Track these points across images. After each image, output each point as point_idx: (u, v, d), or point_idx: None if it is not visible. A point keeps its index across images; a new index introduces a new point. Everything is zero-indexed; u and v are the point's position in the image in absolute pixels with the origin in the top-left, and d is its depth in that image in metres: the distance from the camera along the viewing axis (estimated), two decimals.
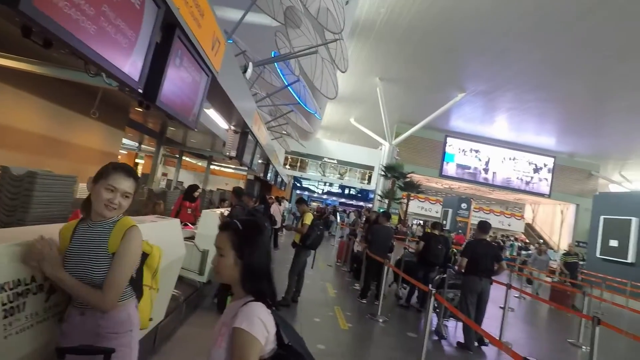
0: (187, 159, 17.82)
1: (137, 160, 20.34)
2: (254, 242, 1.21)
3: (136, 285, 1.65)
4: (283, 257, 8.76)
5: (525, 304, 9.47)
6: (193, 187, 6.54)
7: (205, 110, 5.06)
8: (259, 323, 1.09)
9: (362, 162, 31.27)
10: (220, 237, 1.23)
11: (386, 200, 23.94)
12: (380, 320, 5.55)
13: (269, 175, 14.30)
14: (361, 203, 31.35)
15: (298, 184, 31.86)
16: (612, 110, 20.22)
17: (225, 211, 5.56)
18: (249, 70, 6.00)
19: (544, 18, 13.90)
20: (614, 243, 12.94)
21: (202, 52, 3.14)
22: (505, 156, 30.88)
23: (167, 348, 3.43)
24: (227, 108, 5.21)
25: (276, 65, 10.94)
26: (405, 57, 18.97)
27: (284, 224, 12.19)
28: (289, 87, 11.39)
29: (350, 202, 32.51)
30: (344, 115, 28.94)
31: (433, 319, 5.59)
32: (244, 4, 6.55)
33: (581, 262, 12.98)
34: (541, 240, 30.54)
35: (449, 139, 30.11)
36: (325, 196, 32.82)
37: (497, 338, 4.68)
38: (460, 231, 21.32)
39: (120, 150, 10.03)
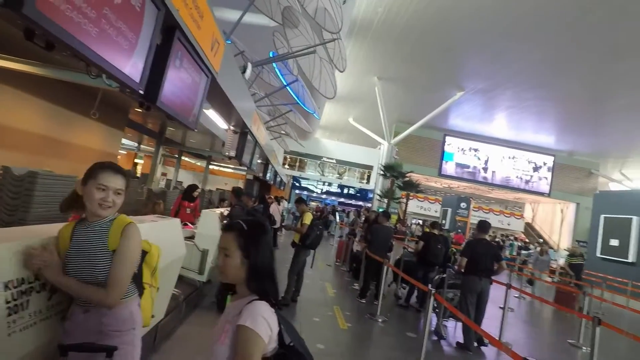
0: (187, 159, 17.83)
1: (136, 160, 20.35)
2: (259, 242, 1.24)
3: (137, 282, 1.67)
4: (282, 256, 8.79)
5: (525, 304, 9.48)
6: (192, 187, 6.56)
7: (204, 110, 5.08)
8: (263, 321, 1.11)
9: (361, 162, 31.31)
10: (225, 237, 1.25)
11: (385, 200, 23.96)
12: (380, 320, 5.57)
13: (268, 175, 14.32)
14: (360, 203, 31.39)
15: (297, 184, 31.89)
16: (612, 108, 20.21)
17: (225, 211, 5.59)
18: (248, 71, 6.02)
19: (542, 16, 13.93)
20: (614, 242, 12.91)
21: (202, 53, 3.16)
22: (504, 155, 30.89)
23: (167, 347, 3.45)
24: (226, 108, 5.23)
25: (274, 66, 10.97)
26: (403, 56, 18.99)
27: (283, 224, 12.21)
28: (287, 87, 11.41)
29: (349, 201, 32.54)
30: (342, 115, 28.97)
31: (432, 319, 5.61)
32: (242, 4, 6.58)
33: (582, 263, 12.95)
34: (541, 240, 30.58)
35: (447, 138, 30.12)
36: (324, 196, 32.85)
37: (497, 338, 4.70)
38: (459, 230, 21.35)
39: (119, 151, 10.04)
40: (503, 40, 15.91)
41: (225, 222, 5.01)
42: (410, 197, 26.58)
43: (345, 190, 32.85)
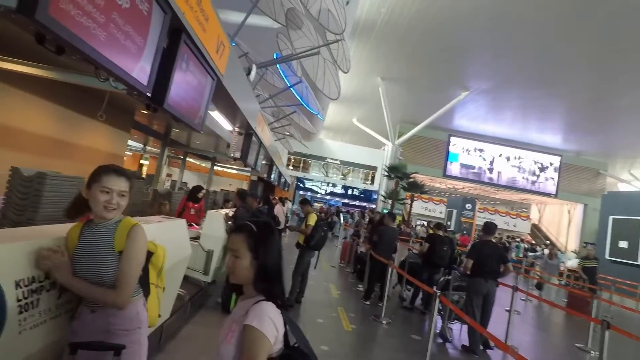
0: (191, 160, 17.92)
1: (142, 162, 20.48)
2: (268, 243, 1.26)
3: (143, 283, 1.70)
4: (286, 257, 8.75)
5: (531, 307, 9.37)
6: (197, 188, 6.60)
7: (209, 112, 5.12)
8: (269, 322, 1.13)
9: (365, 163, 31.29)
10: (235, 239, 1.27)
11: (389, 201, 23.92)
12: (384, 322, 5.56)
13: (272, 176, 14.36)
14: (364, 204, 31.35)
15: (301, 185, 31.92)
16: (620, 106, 19.93)
17: (230, 212, 5.62)
18: (253, 73, 6.05)
19: (547, 14, 13.83)
20: (623, 244, 12.71)
21: (207, 55, 3.19)
22: (510, 155, 30.69)
23: (172, 346, 3.48)
24: (231, 110, 5.26)
25: (278, 67, 11.01)
26: (407, 56, 18.97)
27: (287, 225, 12.23)
28: (291, 89, 11.45)
29: (354, 202, 32.52)
30: (346, 116, 28.98)
31: (437, 321, 5.59)
32: (246, 6, 6.62)
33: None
34: (548, 242, 30.30)
35: (452, 139, 30.01)
36: (328, 197, 32.86)
37: (503, 341, 4.67)
38: (465, 232, 21.25)
39: (125, 152, 10.13)
40: (507, 39, 15.83)
41: (230, 223, 5.04)
42: (415, 198, 26.51)
43: (350, 192, 32.83)
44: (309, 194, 31.78)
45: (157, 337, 3.24)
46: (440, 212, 30.00)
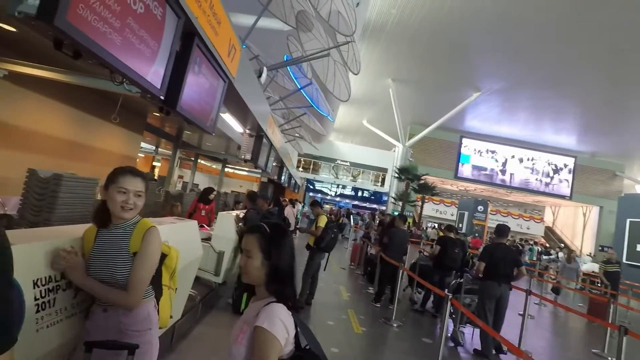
0: (203, 161, 18.11)
1: (154, 163, 20.78)
2: (280, 245, 1.27)
3: (156, 284, 1.72)
4: (297, 259, 8.81)
5: (546, 311, 9.21)
6: (208, 190, 6.66)
7: (221, 114, 5.17)
8: (280, 323, 1.13)
9: (375, 164, 31.17)
10: (248, 239, 1.28)
11: (400, 203, 23.77)
12: (395, 325, 5.52)
13: (282, 177, 14.40)
14: (374, 205, 31.22)
15: (311, 187, 31.95)
16: (637, 106, 19.49)
17: (240, 213, 5.65)
18: (264, 75, 6.09)
19: (559, 11, 13.59)
20: None
21: (219, 58, 3.22)
22: (523, 157, 30.23)
23: (184, 346, 3.51)
24: (242, 112, 5.30)
25: (289, 69, 11.06)
26: (417, 57, 18.86)
27: (297, 227, 12.25)
28: (301, 90, 11.48)
29: (364, 204, 32.41)
30: (356, 117, 28.93)
31: (449, 324, 5.53)
32: (257, 9, 6.67)
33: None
34: (562, 245, 29.73)
35: (464, 140, 29.70)
36: (338, 198, 32.82)
37: (516, 346, 4.59)
38: (476, 235, 20.98)
39: (138, 154, 10.29)
40: (520, 39, 15.61)
41: (240, 224, 5.08)
42: (426, 200, 26.31)
43: (360, 193, 32.73)
44: (319, 195, 31.79)
45: (169, 337, 3.28)
46: (452, 214, 29.69)
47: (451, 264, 6.39)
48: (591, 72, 17.28)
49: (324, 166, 31.28)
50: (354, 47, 8.31)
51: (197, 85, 2.91)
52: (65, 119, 5.86)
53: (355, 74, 9.22)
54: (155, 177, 17.00)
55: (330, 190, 32.75)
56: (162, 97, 2.42)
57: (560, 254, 19.89)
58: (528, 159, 30.30)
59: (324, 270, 6.24)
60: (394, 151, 28.27)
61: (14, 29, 3.38)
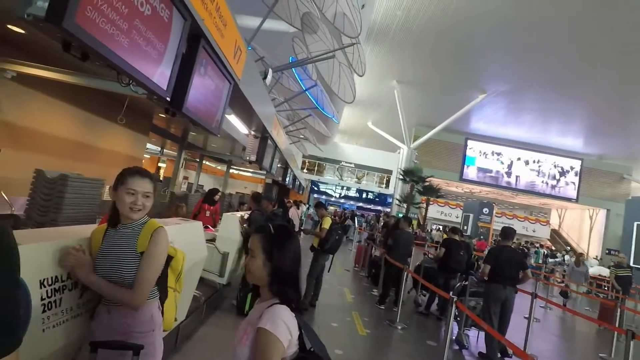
0: (208, 162, 18.18)
1: (159, 164, 20.88)
2: (282, 247, 1.26)
3: (161, 286, 1.72)
4: (301, 262, 8.80)
5: (551, 314, 9.11)
6: (213, 191, 6.69)
7: (226, 116, 5.19)
8: (283, 325, 1.13)
9: (380, 166, 31.10)
10: (253, 239, 1.29)
11: (405, 205, 23.69)
12: (399, 327, 5.49)
13: (287, 179, 14.42)
14: (379, 207, 31.15)
15: (315, 188, 31.94)
16: None
17: (245, 214, 5.66)
18: (269, 77, 6.11)
19: (565, 14, 13.49)
20: None
21: (225, 60, 3.24)
22: (529, 159, 30.02)
23: (188, 347, 3.52)
24: (247, 114, 5.32)
25: (294, 71, 11.08)
26: (422, 59, 18.81)
27: (302, 228, 12.26)
28: (306, 92, 11.49)
29: (368, 206, 32.34)
30: (361, 119, 28.90)
31: (454, 327, 5.49)
32: (262, 11, 6.69)
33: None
34: (568, 248, 29.45)
35: (469, 142, 29.55)
36: (342, 200, 32.79)
37: (522, 349, 4.55)
38: (481, 237, 20.84)
39: (144, 155, 10.35)
40: (525, 40, 15.50)
41: (245, 226, 5.08)
42: (431, 202, 26.19)
43: (364, 195, 32.67)
44: (324, 197, 31.78)
45: (174, 338, 3.29)
46: (457, 217, 29.53)
47: (456, 267, 6.35)
48: (598, 74, 17.13)
49: (329, 168, 31.29)
50: (359, 48, 8.31)
51: (202, 86, 2.92)
52: (72, 120, 5.91)
53: (360, 76, 9.22)
54: (161, 178, 17.11)
55: (335, 192, 32.73)
56: (168, 99, 2.44)
57: (567, 257, 19.71)
58: (534, 161, 30.08)
59: (328, 272, 6.24)
60: (399, 153, 28.19)
61: (23, 31, 3.42)
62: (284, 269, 1.25)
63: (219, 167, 21.16)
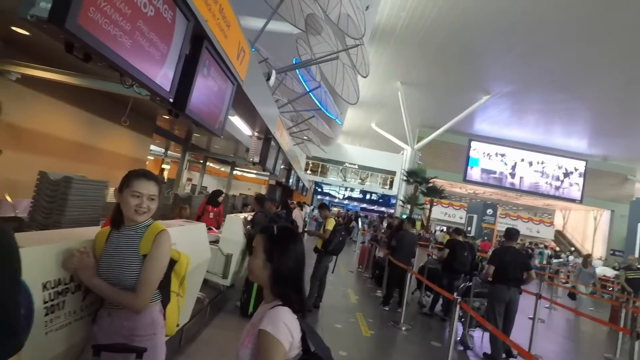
0: (211, 164, 18.22)
1: (163, 166, 20.96)
2: (284, 249, 1.26)
3: (164, 290, 1.70)
4: (304, 264, 8.78)
5: (556, 315, 9.05)
6: (217, 193, 6.69)
7: (229, 117, 5.19)
8: (284, 327, 1.12)
9: (383, 167, 31.05)
10: (257, 238, 1.30)
11: (408, 206, 23.63)
12: (403, 328, 5.47)
13: (290, 180, 14.41)
14: (383, 208, 31.08)
15: (319, 189, 31.93)
16: None
17: (248, 216, 5.65)
18: (272, 78, 6.10)
19: (570, 14, 13.42)
20: None
21: (228, 61, 3.23)
22: (532, 160, 29.90)
23: (192, 349, 3.51)
24: (251, 115, 5.32)
25: (297, 72, 11.08)
26: (426, 60, 18.78)
27: (305, 229, 12.25)
28: (310, 93, 11.49)
29: (372, 207, 32.28)
30: (365, 120, 28.87)
31: (458, 328, 5.46)
32: (266, 12, 6.69)
33: (617, 273, 12.13)
34: (572, 249, 29.25)
35: (473, 143, 29.47)
36: (346, 201, 32.74)
37: (527, 350, 4.51)
38: (485, 238, 20.74)
39: (147, 156, 10.38)
40: (529, 41, 15.45)
41: (248, 227, 5.08)
42: (434, 203, 26.11)
43: (368, 196, 32.62)
44: (327, 198, 31.74)
45: (177, 339, 3.28)
46: (461, 218, 29.39)
47: (460, 267, 6.32)
48: (602, 75, 17.04)
49: (332, 169, 31.28)
50: (363, 50, 8.28)
51: (206, 88, 2.91)
52: (76, 122, 5.93)
53: (364, 77, 9.19)
54: (165, 180, 17.16)
55: (339, 193, 32.70)
56: (171, 100, 2.43)
57: (571, 257, 19.57)
58: (538, 162, 29.95)
59: (332, 273, 6.22)
60: (403, 154, 28.15)
61: (27, 33, 3.43)
62: (285, 271, 1.24)
63: (222, 169, 21.22)
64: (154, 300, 1.62)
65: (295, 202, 13.99)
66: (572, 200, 30.06)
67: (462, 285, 5.94)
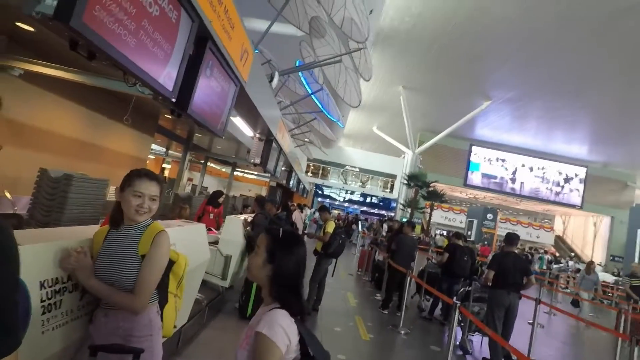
0: (212, 164, 18.23)
1: (164, 165, 20.97)
2: (285, 252, 1.26)
3: (162, 291, 1.68)
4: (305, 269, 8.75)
5: (555, 320, 9.01)
6: (217, 193, 6.67)
7: (231, 118, 5.19)
8: (280, 330, 1.11)
9: (384, 171, 31.06)
10: (261, 237, 1.31)
11: (409, 210, 23.61)
12: (403, 332, 5.44)
13: (291, 182, 14.40)
14: (383, 212, 31.05)
15: (320, 192, 31.92)
16: None
17: (248, 217, 5.64)
18: (275, 80, 6.11)
19: (571, 22, 13.45)
20: None
21: (232, 62, 3.23)
22: (533, 165, 29.92)
23: (190, 351, 3.48)
24: (253, 116, 5.32)
25: (300, 74, 11.09)
26: (429, 65, 18.81)
27: (305, 232, 12.23)
28: (312, 96, 11.50)
29: (372, 210, 32.26)
30: (366, 124, 28.89)
31: (457, 332, 5.44)
32: (270, 14, 6.70)
33: (617, 279, 12.08)
34: (572, 254, 29.20)
35: (474, 148, 29.48)
36: (346, 204, 32.73)
37: (526, 355, 4.49)
38: (485, 242, 20.71)
39: (149, 156, 10.39)
40: (531, 48, 15.48)
41: (248, 228, 5.06)
42: (435, 207, 26.09)
43: (368, 199, 32.61)
44: (328, 200, 31.73)
45: (175, 341, 3.26)
46: (461, 222, 29.38)
47: (460, 272, 6.30)
48: (603, 82, 17.07)
49: (333, 171, 31.29)
50: (366, 53, 8.30)
51: (208, 88, 2.91)
52: (78, 119, 5.93)
53: (367, 81, 9.21)
54: (165, 180, 17.16)
55: (339, 196, 32.69)
56: (173, 100, 2.43)
57: (571, 263, 19.52)
58: (538, 168, 29.98)
59: (332, 276, 6.20)
60: (404, 158, 28.13)
61: (32, 29, 3.43)
62: (285, 274, 1.24)
63: (223, 169, 21.23)
64: (152, 301, 1.60)
65: (295, 204, 13.98)
66: (573, 206, 30.05)
67: (462, 289, 5.93)
